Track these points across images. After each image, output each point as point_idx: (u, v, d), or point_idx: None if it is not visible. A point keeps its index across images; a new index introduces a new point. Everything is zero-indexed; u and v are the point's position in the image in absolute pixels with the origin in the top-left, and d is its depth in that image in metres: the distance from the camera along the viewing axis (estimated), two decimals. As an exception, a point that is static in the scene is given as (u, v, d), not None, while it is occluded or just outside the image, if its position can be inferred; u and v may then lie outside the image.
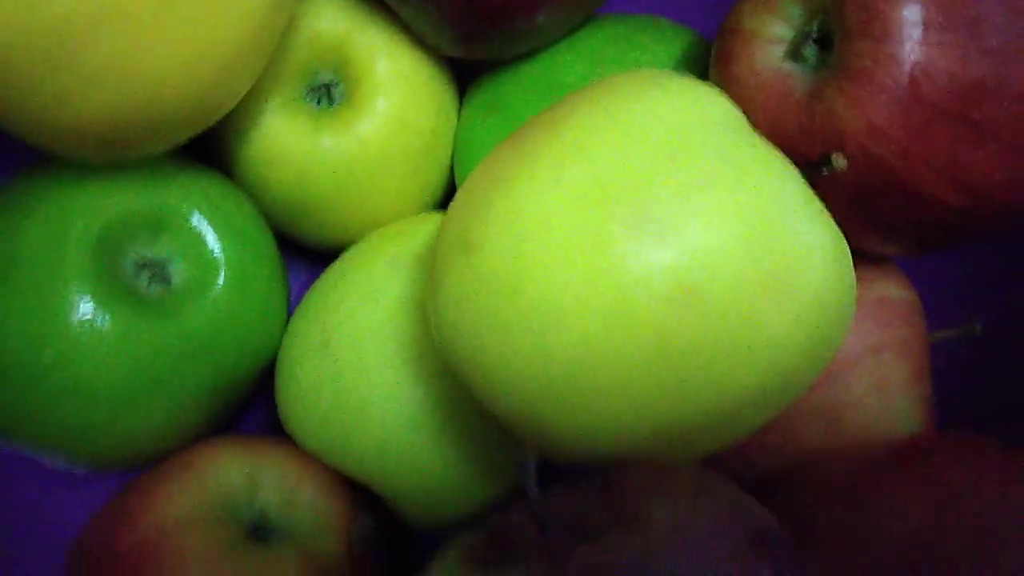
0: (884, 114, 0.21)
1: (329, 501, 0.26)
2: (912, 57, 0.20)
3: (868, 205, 0.23)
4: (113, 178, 0.24)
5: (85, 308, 0.23)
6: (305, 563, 0.24)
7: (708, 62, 0.27)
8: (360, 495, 0.27)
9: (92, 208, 0.24)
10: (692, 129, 0.19)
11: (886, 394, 0.26)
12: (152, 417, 0.25)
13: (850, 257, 0.20)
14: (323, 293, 0.27)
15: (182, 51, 0.19)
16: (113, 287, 0.24)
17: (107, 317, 0.23)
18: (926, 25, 0.20)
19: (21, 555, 0.30)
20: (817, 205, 0.20)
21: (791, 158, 0.22)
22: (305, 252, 0.33)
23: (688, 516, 0.18)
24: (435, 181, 0.30)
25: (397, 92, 0.27)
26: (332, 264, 0.28)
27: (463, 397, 0.25)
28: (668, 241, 0.18)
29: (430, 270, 0.21)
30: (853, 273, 0.20)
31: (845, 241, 0.20)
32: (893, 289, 0.27)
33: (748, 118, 0.23)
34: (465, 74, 0.31)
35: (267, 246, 0.27)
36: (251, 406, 0.32)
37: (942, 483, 0.22)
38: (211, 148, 0.28)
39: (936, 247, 0.25)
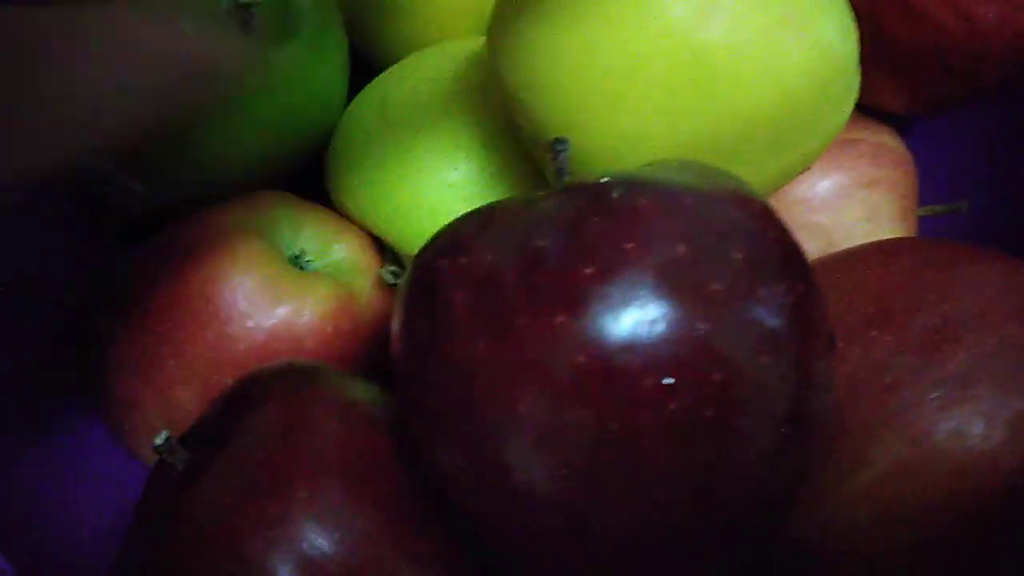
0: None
1: (362, 254, 0.29)
2: None
3: (879, 31, 0.26)
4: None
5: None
6: (335, 286, 0.27)
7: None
8: (389, 254, 0.30)
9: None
10: None
11: (875, 223, 0.29)
12: (223, 136, 0.28)
13: (854, 20, 0.23)
14: (387, 76, 0.31)
15: None
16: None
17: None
18: None
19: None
20: None
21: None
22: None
23: None
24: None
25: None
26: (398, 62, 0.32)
27: (499, 171, 0.28)
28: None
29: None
30: (857, 35, 0.23)
31: (851, 8, 0.23)
32: (890, 140, 0.30)
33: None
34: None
35: (340, 26, 0.31)
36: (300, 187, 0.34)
37: (918, 253, 0.24)
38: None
39: (933, 98, 0.28)
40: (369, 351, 0.27)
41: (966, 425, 0.20)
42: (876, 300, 0.23)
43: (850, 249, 0.26)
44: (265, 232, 0.28)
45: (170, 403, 0.25)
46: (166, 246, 0.26)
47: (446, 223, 0.19)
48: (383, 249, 0.30)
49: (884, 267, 0.24)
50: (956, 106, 0.29)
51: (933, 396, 0.21)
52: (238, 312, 0.25)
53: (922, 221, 0.32)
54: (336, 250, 0.29)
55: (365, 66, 0.34)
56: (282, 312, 0.26)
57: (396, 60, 0.33)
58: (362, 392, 0.22)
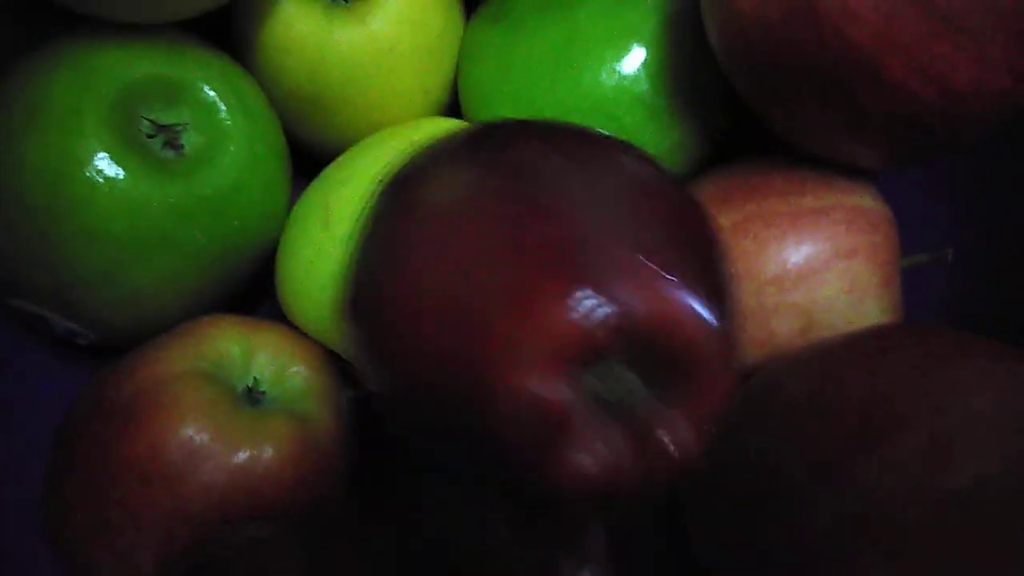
0: (858, -2, 0.22)
1: (319, 375, 0.28)
2: (885, -56, 0.22)
3: (845, 99, 0.24)
4: (136, 43, 0.26)
5: (101, 158, 0.25)
6: (293, 422, 0.26)
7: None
8: (347, 372, 0.28)
9: (115, 68, 0.25)
10: None
11: (856, 296, 0.27)
12: (158, 272, 0.26)
13: None
14: (328, 178, 0.29)
15: None
16: (129, 144, 0.25)
17: (121, 170, 0.25)
18: (900, -87, 0.22)
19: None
20: None
21: (774, 50, 0.24)
22: (307, 170, 0.34)
23: None
24: (440, 84, 0.31)
25: (407, -9, 0.29)
26: (338, 157, 0.30)
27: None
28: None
29: None
30: None
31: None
32: (867, 201, 0.28)
33: (733, 7, 0.24)
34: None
35: (275, 131, 0.29)
36: (256, 308, 0.33)
37: (903, 356, 0.23)
38: (228, 40, 0.30)
39: (911, 156, 0.27)
40: (331, 486, 0.26)
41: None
42: (860, 417, 0.21)
43: (828, 347, 0.25)
44: (212, 370, 0.26)
45: (130, 567, 0.24)
46: (109, 402, 0.25)
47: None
48: (342, 364, 0.28)
49: (867, 374, 0.22)
50: (934, 159, 0.28)
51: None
52: (190, 469, 0.24)
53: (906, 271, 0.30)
54: (292, 375, 0.27)
55: (304, 155, 0.32)
56: (238, 462, 0.24)
57: (336, 148, 0.31)
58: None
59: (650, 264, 0.17)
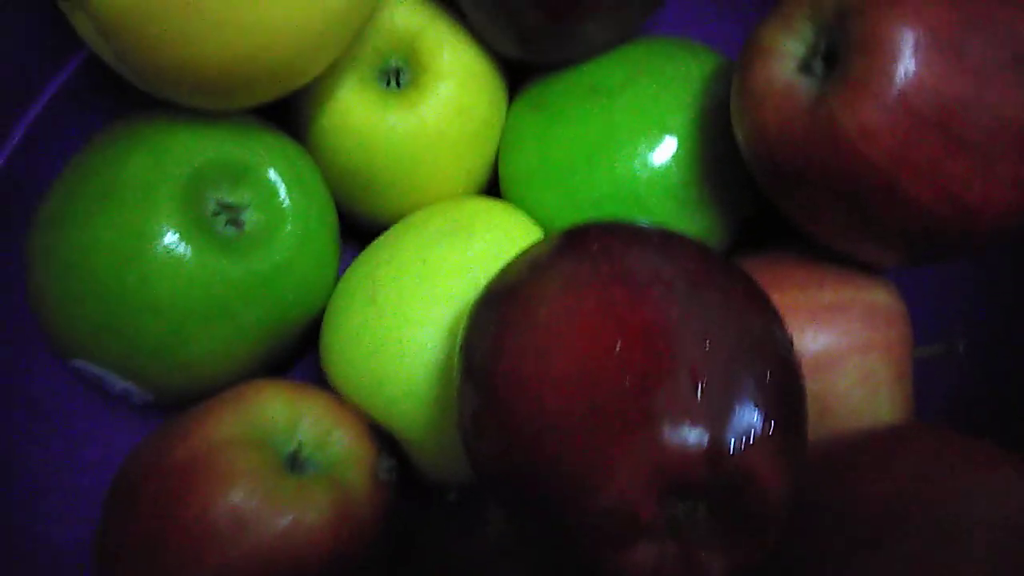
0: (875, 120, 0.24)
1: (358, 442, 0.29)
2: (902, 72, 0.23)
3: (862, 211, 0.26)
4: (207, 128, 0.28)
5: (171, 237, 0.27)
6: (333, 489, 0.27)
7: (727, 83, 0.31)
8: (384, 440, 0.30)
9: (187, 150, 0.28)
10: None
11: (870, 389, 0.29)
12: (215, 342, 0.28)
13: None
14: (375, 253, 0.31)
15: (290, 12, 0.23)
16: (195, 223, 0.27)
17: (188, 247, 0.27)
18: (916, 46, 0.23)
19: (63, 482, 0.33)
20: None
21: (796, 159, 0.26)
22: (356, 235, 0.36)
23: None
24: (482, 166, 0.33)
25: (457, 81, 0.31)
26: (384, 232, 0.32)
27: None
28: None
29: None
30: None
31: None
32: (883, 297, 0.30)
33: (759, 118, 0.26)
34: (516, 75, 0.34)
35: (329, 208, 0.31)
36: (294, 365, 0.35)
37: (911, 461, 0.24)
38: (289, 119, 0.32)
39: (925, 257, 0.28)
40: (370, 551, 0.27)
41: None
42: (868, 517, 0.22)
43: (840, 445, 0.26)
44: (259, 436, 0.28)
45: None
46: (165, 464, 0.27)
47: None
48: (379, 431, 0.30)
49: (876, 475, 0.24)
50: (947, 261, 0.29)
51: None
52: (238, 532, 0.25)
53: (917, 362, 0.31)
54: (333, 441, 0.29)
55: (350, 228, 0.34)
56: (282, 528, 0.26)
57: (383, 221, 0.33)
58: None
59: (751, 409, 0.20)
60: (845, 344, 0.28)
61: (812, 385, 0.28)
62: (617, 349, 0.20)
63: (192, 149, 0.28)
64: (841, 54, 0.25)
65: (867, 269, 0.30)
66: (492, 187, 0.35)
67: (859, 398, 0.28)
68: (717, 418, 0.19)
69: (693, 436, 0.19)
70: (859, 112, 0.24)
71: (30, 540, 0.31)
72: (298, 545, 0.26)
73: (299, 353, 0.34)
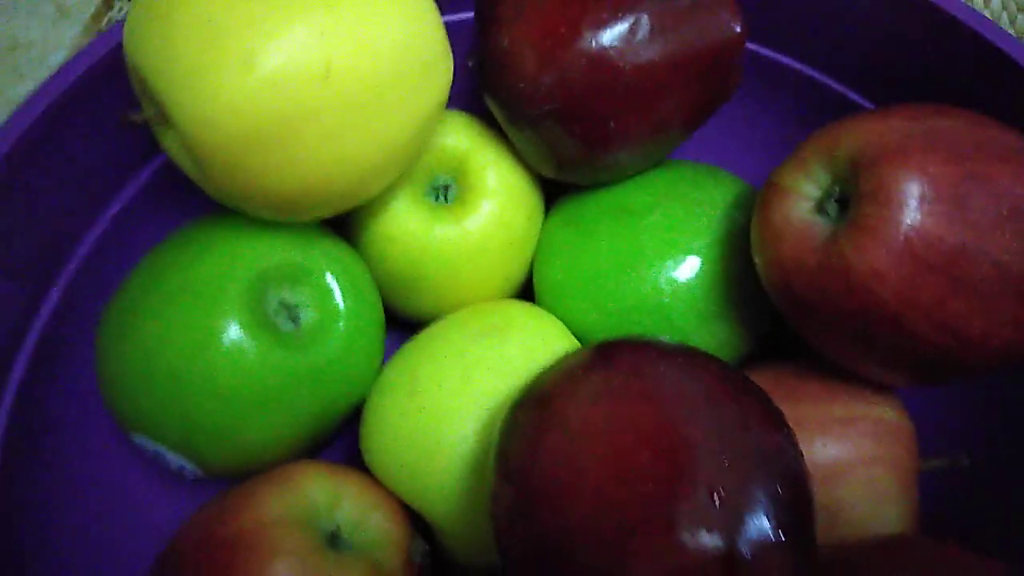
0: (884, 262, 0.26)
1: (394, 525, 0.31)
2: (908, 221, 0.26)
3: (871, 340, 0.28)
4: (272, 234, 0.31)
5: (236, 331, 0.29)
6: (370, 570, 0.29)
7: (748, 208, 0.34)
8: (418, 524, 0.32)
9: (255, 256, 0.30)
10: None
11: (876, 500, 0.30)
12: (268, 428, 0.30)
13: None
14: (414, 350, 0.33)
15: (366, 146, 0.26)
16: (258, 319, 0.30)
17: (252, 342, 0.29)
18: (921, 198, 0.26)
19: (115, 550, 0.35)
20: None
21: (810, 291, 0.28)
22: (399, 326, 0.39)
23: None
24: (519, 273, 0.36)
25: (500, 199, 0.34)
26: (426, 328, 0.34)
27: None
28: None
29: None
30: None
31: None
32: (890, 414, 0.32)
33: (777, 251, 0.29)
34: (552, 190, 0.37)
35: (377, 307, 0.34)
36: (333, 443, 0.37)
37: (911, 572, 0.26)
38: (345, 224, 0.35)
39: (931, 381, 0.30)
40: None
41: None
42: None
43: (846, 548, 0.28)
44: (304, 515, 0.30)
45: None
46: (215, 538, 0.29)
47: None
48: (414, 515, 0.32)
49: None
50: (952, 384, 0.31)
51: None
52: (282, 612, 0.27)
53: (923, 475, 0.33)
54: (371, 523, 0.31)
55: (393, 318, 0.37)
56: (322, 607, 0.28)
57: (423, 318, 0.36)
58: None
59: (764, 519, 0.22)
60: (853, 456, 0.30)
61: (820, 495, 0.31)
62: (643, 460, 0.23)
63: (260, 254, 0.31)
64: (852, 200, 0.28)
65: (876, 386, 0.32)
66: (527, 292, 0.38)
67: (865, 509, 0.30)
68: (733, 526, 0.21)
69: (710, 541, 0.21)
70: (868, 254, 0.26)
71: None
72: (336, 623, 0.28)
73: (341, 431, 0.37)
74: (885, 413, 0.32)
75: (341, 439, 0.38)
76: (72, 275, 0.33)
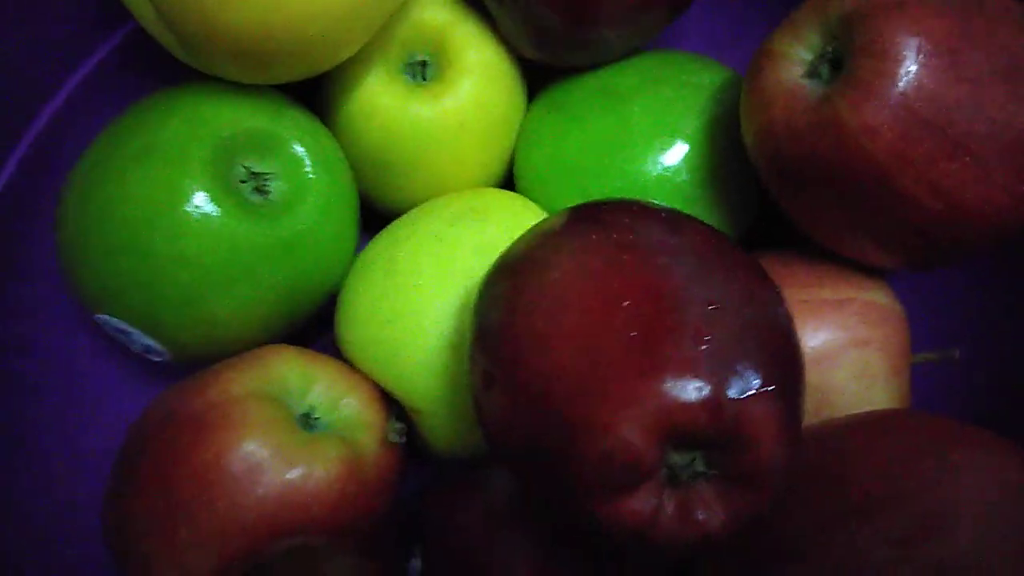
0: (877, 117, 0.25)
1: (369, 408, 0.30)
2: (904, 75, 0.25)
3: (861, 208, 0.27)
4: (241, 100, 0.30)
5: (201, 196, 0.28)
6: (343, 447, 0.28)
7: (735, 93, 0.33)
8: (394, 407, 0.31)
9: (219, 119, 0.29)
10: None
11: (867, 382, 0.30)
12: (236, 301, 0.29)
13: None
14: (392, 232, 0.32)
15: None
16: (224, 186, 0.29)
17: (217, 207, 0.28)
18: (918, 51, 0.25)
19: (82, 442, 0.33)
20: None
21: (800, 154, 0.27)
22: (373, 226, 0.38)
23: None
24: (498, 160, 0.35)
25: (480, 77, 0.33)
26: (402, 216, 0.33)
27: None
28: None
29: None
30: None
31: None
32: (881, 297, 0.31)
33: (767, 116, 0.28)
34: (535, 77, 0.36)
35: (350, 186, 0.32)
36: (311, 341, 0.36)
37: (903, 439, 0.25)
38: (316, 104, 0.33)
39: (922, 261, 0.30)
40: (374, 512, 0.28)
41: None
42: (861, 488, 0.23)
43: (837, 424, 0.27)
44: (274, 393, 0.29)
45: (184, 567, 0.26)
46: (181, 414, 0.28)
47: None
48: (390, 400, 0.31)
49: (870, 450, 0.25)
50: (944, 266, 0.30)
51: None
52: (250, 481, 0.26)
53: (915, 368, 0.33)
54: (345, 405, 0.30)
55: (369, 210, 0.36)
56: (291, 478, 0.26)
57: (399, 209, 0.34)
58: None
59: (751, 367, 0.21)
60: (843, 339, 0.30)
61: (811, 378, 0.30)
62: (624, 305, 0.21)
63: (226, 117, 0.29)
64: (846, 59, 0.26)
65: (866, 271, 0.31)
66: (506, 183, 0.37)
67: (855, 391, 0.29)
68: (718, 372, 0.20)
69: (695, 386, 0.20)
70: (862, 110, 0.25)
71: (44, 498, 0.31)
72: (306, 497, 0.26)
73: (313, 335, 0.35)
74: (875, 296, 0.31)
75: (314, 343, 0.37)
76: (27, 151, 0.31)
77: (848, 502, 0.23)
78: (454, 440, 0.31)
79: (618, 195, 0.32)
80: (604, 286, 0.22)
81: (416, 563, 0.29)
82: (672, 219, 0.25)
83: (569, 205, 0.33)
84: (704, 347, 0.21)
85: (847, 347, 0.30)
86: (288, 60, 0.28)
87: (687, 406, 0.20)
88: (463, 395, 0.29)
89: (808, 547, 0.23)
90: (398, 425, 0.30)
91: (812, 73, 0.28)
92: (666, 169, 0.32)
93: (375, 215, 0.37)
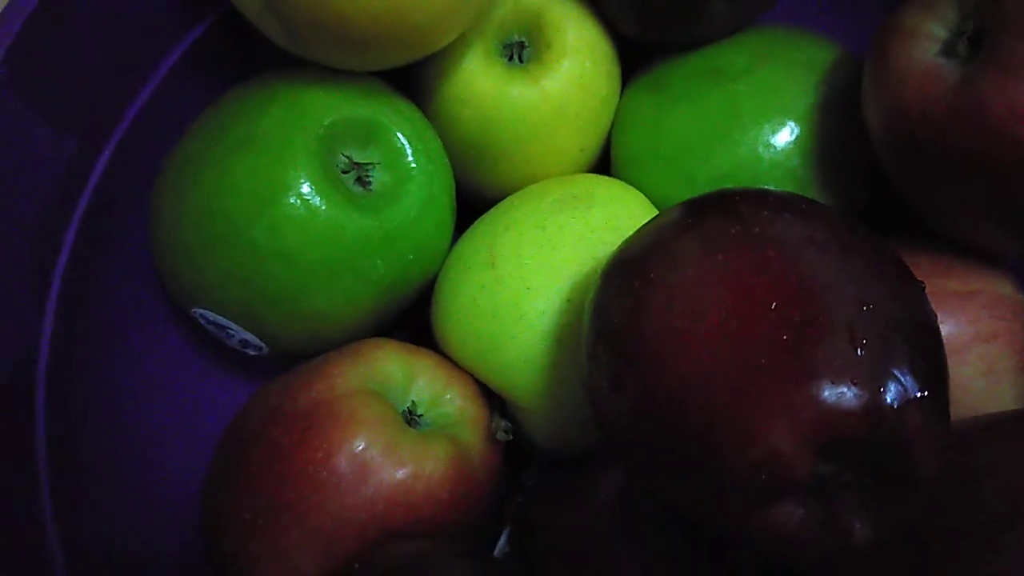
0: (1027, 100, 0.24)
1: (471, 404, 0.29)
2: (1060, 52, 0.23)
3: (1002, 191, 0.26)
4: (340, 88, 0.29)
5: (305, 187, 0.27)
6: (451, 445, 0.27)
7: (848, 72, 0.31)
8: (496, 403, 0.30)
9: (322, 107, 0.28)
10: None
11: (993, 378, 0.28)
12: (337, 295, 0.28)
13: None
14: (491, 222, 0.31)
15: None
16: (328, 177, 0.28)
17: (320, 199, 0.27)
18: (1078, 26, 0.23)
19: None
20: None
21: (937, 141, 0.26)
22: (466, 211, 0.37)
23: None
24: (596, 144, 0.34)
25: (581, 58, 0.31)
26: (500, 202, 0.32)
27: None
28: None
29: None
30: None
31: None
32: (1008, 289, 0.29)
33: (898, 99, 0.26)
34: (629, 57, 0.34)
35: (449, 174, 0.31)
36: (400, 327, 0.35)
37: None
38: (414, 90, 0.32)
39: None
40: (480, 512, 0.27)
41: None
42: (1007, 497, 0.22)
43: (968, 424, 0.26)
44: (379, 389, 0.28)
45: (293, 568, 0.26)
46: (287, 411, 0.27)
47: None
48: (491, 395, 0.30)
49: (1006, 456, 0.23)
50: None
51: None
52: (359, 479, 0.25)
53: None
54: (447, 401, 0.29)
55: (463, 199, 0.35)
56: (400, 477, 0.26)
57: (493, 195, 0.33)
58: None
59: (907, 372, 0.19)
60: (970, 333, 0.28)
61: (935, 374, 0.28)
62: (773, 306, 0.20)
63: (327, 106, 0.28)
64: (989, 36, 0.25)
65: (988, 261, 0.30)
66: (598, 167, 0.35)
67: (981, 388, 0.28)
68: (878, 378, 0.19)
69: (855, 394, 0.19)
70: (1010, 94, 0.24)
71: (144, 499, 0.31)
72: (416, 496, 0.26)
73: (402, 322, 0.34)
74: (1002, 289, 0.29)
75: (400, 332, 0.36)
76: (123, 135, 0.31)
77: (990, 511, 0.22)
78: (556, 433, 0.30)
79: (726, 179, 0.31)
80: (750, 284, 0.21)
81: (505, 423, 0.29)
82: (811, 210, 0.23)
83: (670, 190, 0.32)
84: (861, 351, 0.19)
85: (974, 342, 0.28)
86: (393, 46, 0.27)
87: (847, 415, 0.19)
88: (567, 390, 0.28)
89: (954, 557, 0.22)
90: (504, 423, 0.29)
91: (948, 51, 0.26)
92: (777, 151, 0.31)
93: (462, 203, 0.36)
